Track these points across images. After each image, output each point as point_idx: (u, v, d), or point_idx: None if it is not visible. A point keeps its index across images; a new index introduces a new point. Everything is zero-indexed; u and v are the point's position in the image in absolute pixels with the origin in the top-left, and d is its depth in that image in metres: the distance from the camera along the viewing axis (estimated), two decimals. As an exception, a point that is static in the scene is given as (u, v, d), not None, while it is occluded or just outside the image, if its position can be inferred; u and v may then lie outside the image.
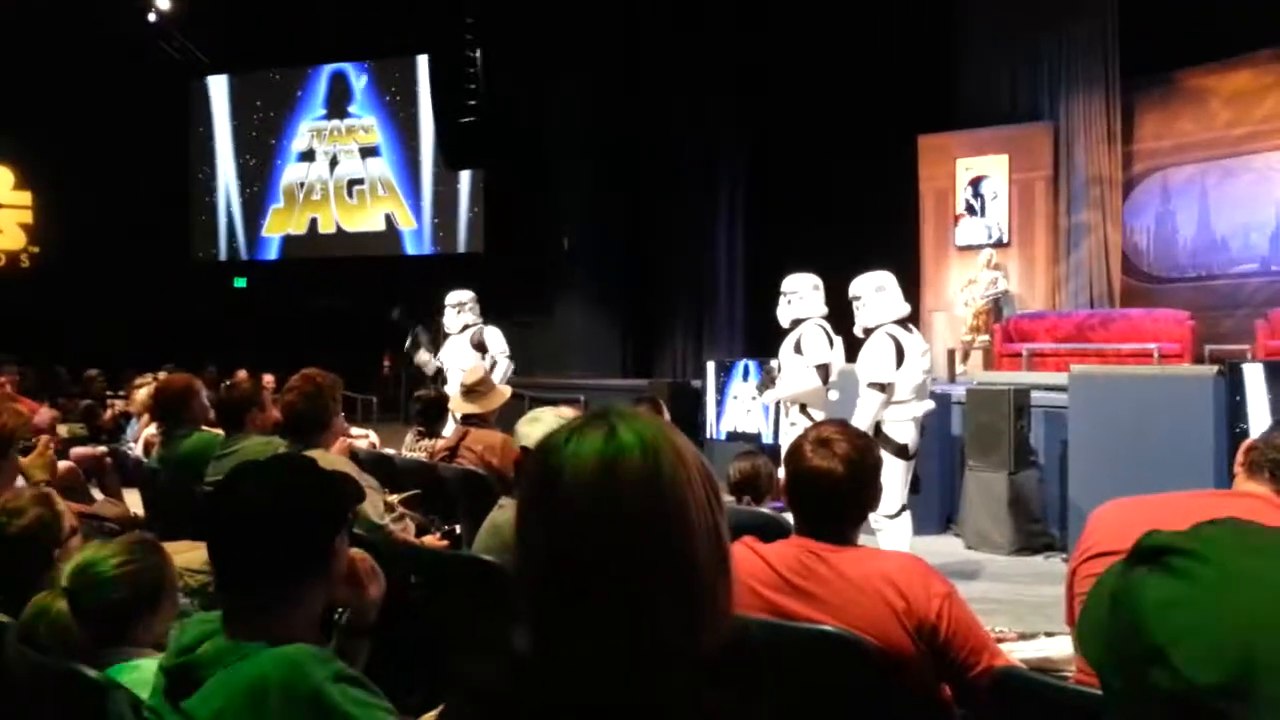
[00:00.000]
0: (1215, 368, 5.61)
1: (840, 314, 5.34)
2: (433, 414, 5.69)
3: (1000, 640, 2.12)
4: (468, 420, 4.95)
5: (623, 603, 0.86)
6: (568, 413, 3.11)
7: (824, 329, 5.24)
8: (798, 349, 5.21)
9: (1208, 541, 0.65)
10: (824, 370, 5.13)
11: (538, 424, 2.80)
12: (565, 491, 0.89)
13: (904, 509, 4.79)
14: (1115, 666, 0.67)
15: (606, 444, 0.89)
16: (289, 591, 1.39)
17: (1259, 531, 0.66)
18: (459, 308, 7.20)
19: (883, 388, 4.73)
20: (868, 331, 4.94)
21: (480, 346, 7.04)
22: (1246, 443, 1.79)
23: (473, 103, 13.38)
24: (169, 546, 3.27)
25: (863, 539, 3.75)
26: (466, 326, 7.14)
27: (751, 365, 8.70)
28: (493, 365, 6.86)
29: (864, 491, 2.06)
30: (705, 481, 0.92)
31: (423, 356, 7.61)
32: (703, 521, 0.90)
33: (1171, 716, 0.62)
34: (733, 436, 8.68)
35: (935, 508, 6.69)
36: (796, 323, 5.29)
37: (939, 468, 6.81)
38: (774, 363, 5.95)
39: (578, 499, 0.88)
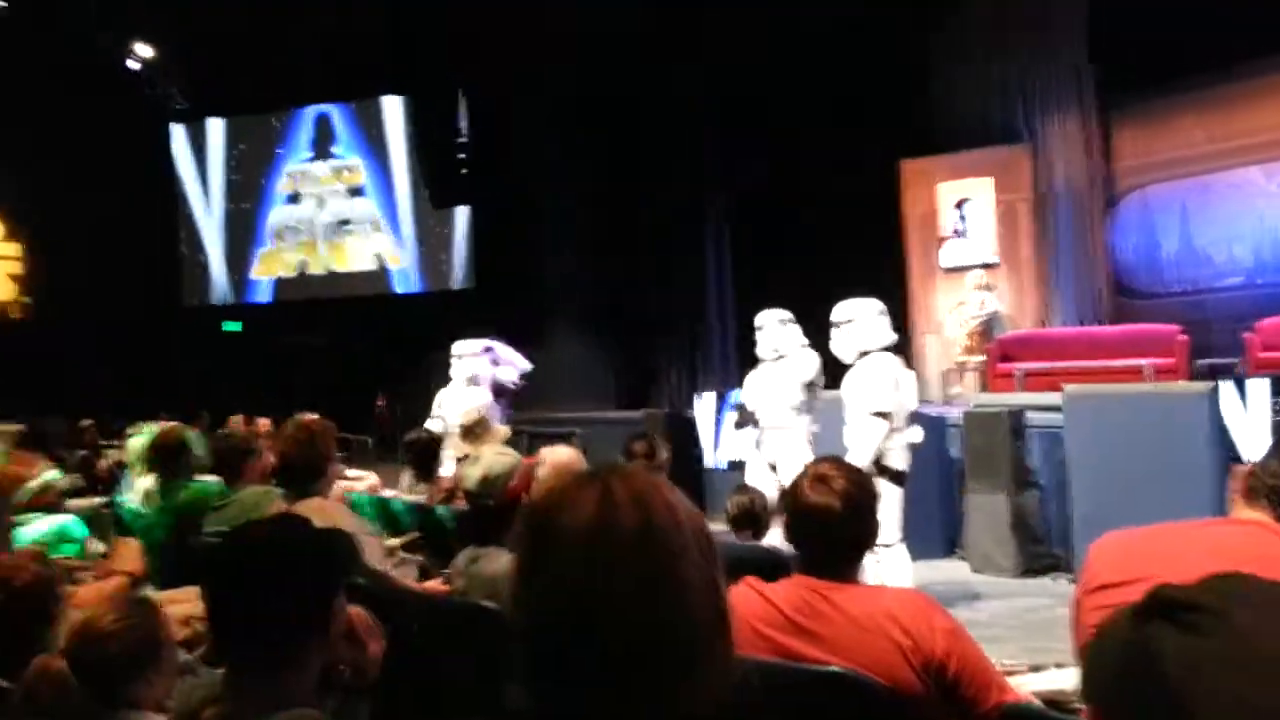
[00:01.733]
0: (1210, 384, 5.64)
1: (825, 339, 5.32)
2: (425, 457, 5.65)
3: (1010, 673, 2.11)
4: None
5: (617, 662, 0.86)
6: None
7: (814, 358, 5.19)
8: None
9: (1224, 596, 0.65)
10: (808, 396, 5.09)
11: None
12: (560, 550, 0.89)
13: (902, 539, 4.76)
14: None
15: (601, 502, 0.89)
16: (289, 655, 1.38)
17: (1270, 586, 0.66)
18: (460, 358, 7.08)
19: (885, 416, 4.69)
20: (860, 355, 4.90)
21: (474, 380, 6.97)
22: (1243, 468, 1.79)
23: (460, 139, 13.46)
24: (170, 594, 3.26)
25: (868, 565, 3.73)
26: (475, 378, 6.96)
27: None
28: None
29: (862, 527, 2.06)
30: (700, 540, 0.92)
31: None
32: (698, 579, 0.90)
33: None
34: (733, 466, 8.66)
35: (938, 531, 6.68)
36: (777, 354, 5.15)
37: (938, 491, 6.81)
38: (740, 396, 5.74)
39: (572, 558, 0.88)
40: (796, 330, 5.35)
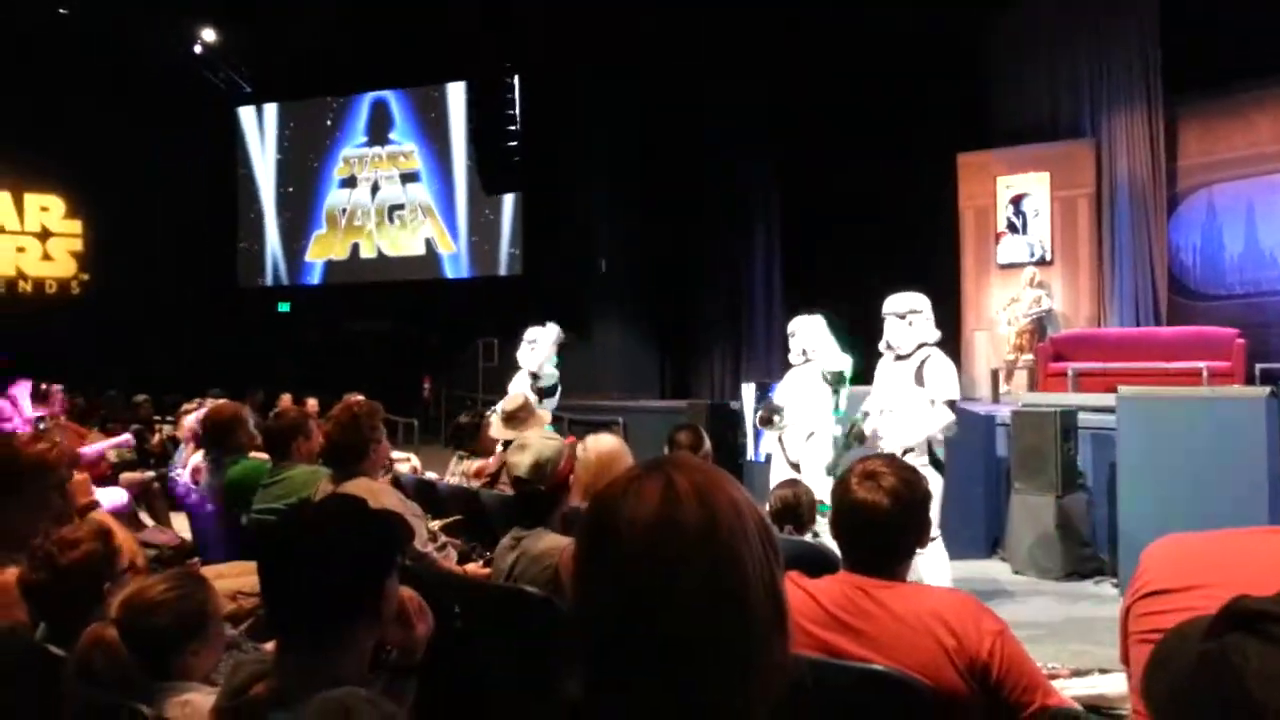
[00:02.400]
0: (1268, 389, 5.49)
1: (868, 334, 5.30)
2: (469, 437, 5.68)
3: (1053, 677, 2.07)
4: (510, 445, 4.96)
5: (676, 656, 0.85)
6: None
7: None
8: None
9: None
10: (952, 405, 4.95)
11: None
12: (622, 542, 0.89)
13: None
14: None
15: (664, 496, 0.89)
16: (341, 635, 1.40)
17: None
18: (533, 344, 6.95)
19: (954, 406, 4.74)
20: (918, 347, 4.89)
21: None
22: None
23: (511, 128, 13.52)
24: (219, 569, 3.33)
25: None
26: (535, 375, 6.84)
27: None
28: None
29: (911, 525, 2.03)
30: (762, 535, 0.91)
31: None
32: (759, 575, 0.89)
33: None
34: (769, 459, 8.61)
35: (981, 531, 6.60)
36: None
37: (984, 490, 6.72)
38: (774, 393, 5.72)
39: (634, 550, 0.88)
40: (828, 336, 5.36)
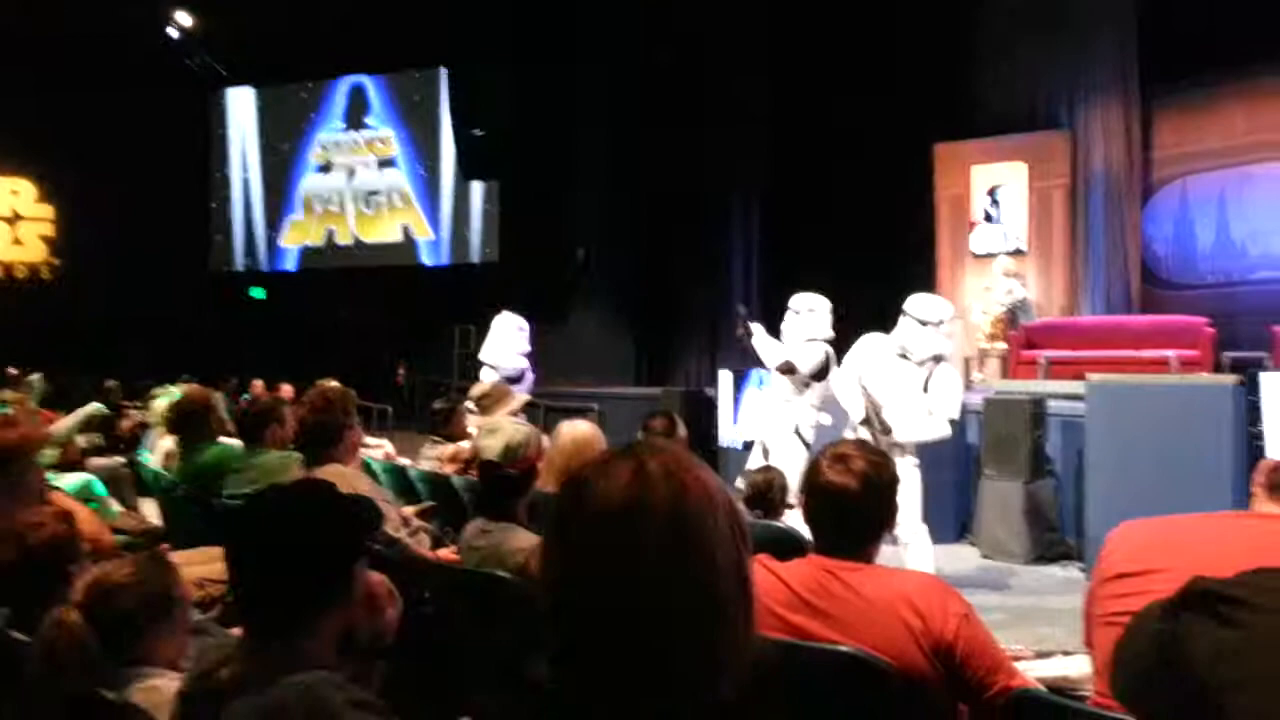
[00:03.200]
0: (1235, 377, 5.56)
1: (855, 321, 5.31)
2: (442, 423, 5.66)
3: (1017, 659, 2.10)
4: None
5: (643, 637, 0.86)
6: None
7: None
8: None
9: (1259, 590, 0.64)
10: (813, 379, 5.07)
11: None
12: (591, 524, 0.90)
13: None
14: (1165, 713, 0.66)
15: (634, 478, 0.90)
16: (308, 620, 1.39)
17: None
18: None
19: (953, 424, 4.71)
20: (936, 360, 4.75)
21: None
22: (1267, 463, 1.77)
23: (491, 116, 13.44)
24: (187, 555, 3.30)
25: (891, 552, 3.75)
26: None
27: (765, 375, 8.67)
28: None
29: (879, 508, 2.05)
30: (731, 519, 0.92)
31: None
32: (726, 559, 0.90)
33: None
34: (748, 445, 8.65)
35: (951, 516, 6.66)
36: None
37: (954, 476, 6.78)
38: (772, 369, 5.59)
39: (603, 532, 0.89)
40: (816, 322, 5.33)
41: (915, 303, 4.80)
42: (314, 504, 1.50)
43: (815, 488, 2.05)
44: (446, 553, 3.49)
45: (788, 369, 5.18)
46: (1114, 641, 1.66)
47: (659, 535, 0.87)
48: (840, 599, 1.90)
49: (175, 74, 16.26)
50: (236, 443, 4.15)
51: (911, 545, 4.65)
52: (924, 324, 4.73)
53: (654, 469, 0.90)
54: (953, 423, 4.73)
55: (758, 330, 5.48)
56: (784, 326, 5.40)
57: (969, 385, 9.32)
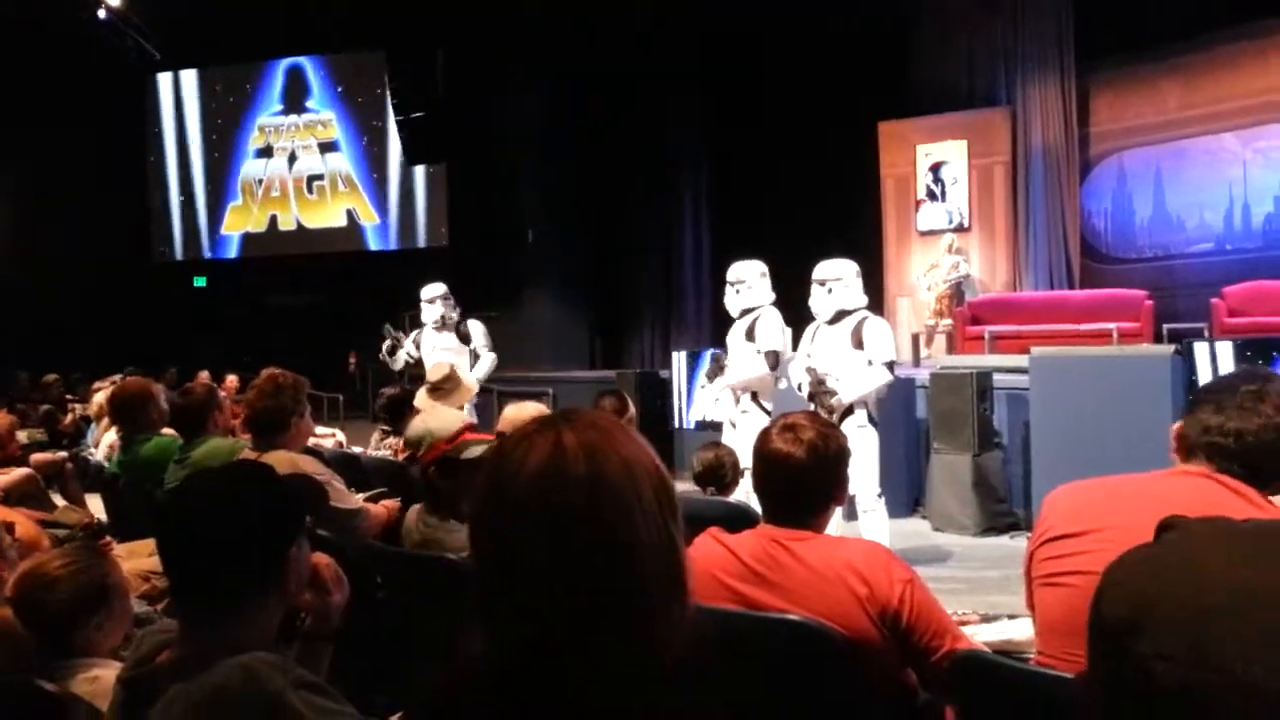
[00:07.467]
0: (1172, 347, 5.70)
1: (798, 301, 5.35)
2: (397, 412, 5.64)
3: (963, 623, 2.14)
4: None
5: (566, 611, 0.86)
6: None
7: (778, 316, 5.26)
8: (749, 335, 5.21)
9: (1197, 522, 0.67)
10: (773, 357, 5.15)
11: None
12: (511, 497, 0.89)
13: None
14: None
15: (552, 449, 0.89)
16: (244, 602, 1.37)
17: (1245, 530, 0.66)
18: (433, 301, 7.06)
19: (891, 366, 4.87)
20: (843, 314, 4.96)
21: (465, 338, 6.97)
22: (1175, 428, 1.82)
23: (435, 97, 13.27)
24: (132, 548, 3.24)
25: (847, 526, 3.78)
26: (444, 319, 6.99)
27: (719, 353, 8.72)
28: (475, 359, 6.83)
29: (826, 478, 2.06)
30: (658, 493, 0.91)
31: (405, 351, 7.23)
32: (651, 532, 0.89)
33: (1098, 656, 0.63)
34: (701, 425, 8.70)
35: (903, 491, 6.76)
36: (746, 311, 5.28)
37: (905, 451, 6.88)
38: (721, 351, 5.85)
39: (521, 505, 0.88)
40: (767, 286, 5.39)
41: (818, 269, 5.09)
42: (243, 484, 1.47)
43: (763, 455, 2.07)
44: (389, 502, 3.42)
45: (774, 365, 5.24)
46: (1053, 601, 1.71)
47: (575, 506, 0.87)
48: (788, 569, 1.91)
49: (109, 57, 15.80)
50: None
51: (869, 515, 4.74)
52: (821, 284, 5.02)
53: (570, 441, 0.89)
54: (891, 365, 4.89)
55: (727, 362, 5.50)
56: (726, 301, 5.44)
57: (917, 362, 9.45)
